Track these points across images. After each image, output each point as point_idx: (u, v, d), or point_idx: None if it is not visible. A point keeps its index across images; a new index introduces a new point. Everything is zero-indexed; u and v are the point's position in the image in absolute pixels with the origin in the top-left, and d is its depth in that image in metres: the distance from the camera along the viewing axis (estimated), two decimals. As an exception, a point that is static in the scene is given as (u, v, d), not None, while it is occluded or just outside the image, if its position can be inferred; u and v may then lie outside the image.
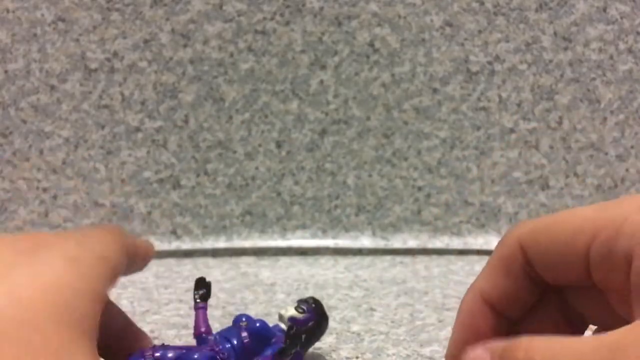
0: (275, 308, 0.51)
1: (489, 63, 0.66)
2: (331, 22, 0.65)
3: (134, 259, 0.31)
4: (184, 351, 0.32)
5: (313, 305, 0.37)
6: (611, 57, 0.67)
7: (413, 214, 0.67)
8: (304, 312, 0.36)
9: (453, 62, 0.66)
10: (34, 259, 0.25)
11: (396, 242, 0.67)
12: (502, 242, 0.28)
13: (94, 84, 0.65)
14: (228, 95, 0.65)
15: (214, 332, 0.35)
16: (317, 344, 0.42)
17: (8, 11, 0.64)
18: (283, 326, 0.36)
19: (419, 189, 0.67)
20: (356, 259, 0.65)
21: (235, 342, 0.34)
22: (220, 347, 0.33)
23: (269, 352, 0.34)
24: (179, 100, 0.65)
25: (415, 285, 0.57)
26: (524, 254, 0.27)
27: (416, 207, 0.67)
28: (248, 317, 0.36)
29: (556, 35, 0.66)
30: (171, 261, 0.64)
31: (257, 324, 0.35)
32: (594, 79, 0.67)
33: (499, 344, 0.24)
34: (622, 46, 0.67)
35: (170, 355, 0.31)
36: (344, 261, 0.64)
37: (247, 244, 0.66)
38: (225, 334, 0.35)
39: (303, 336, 0.36)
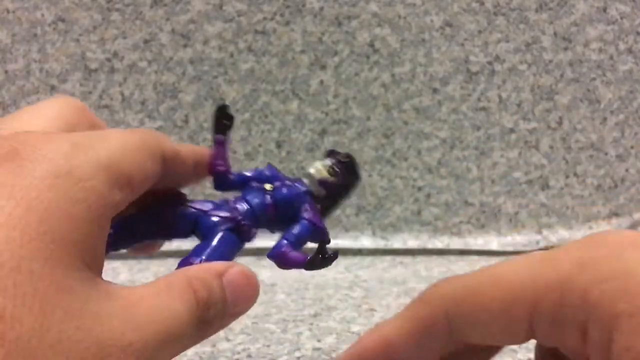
0: (276, 308, 0.51)
1: (489, 63, 0.66)
2: (331, 22, 0.65)
3: (176, 165, 0.27)
4: (201, 212, 0.28)
5: (346, 161, 0.31)
6: (611, 57, 0.67)
7: (413, 214, 0.67)
8: (335, 174, 0.30)
9: (453, 62, 0.66)
10: (10, 174, 0.20)
11: (396, 243, 0.67)
12: (424, 300, 0.26)
13: (94, 84, 0.65)
14: (228, 95, 0.65)
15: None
16: (317, 344, 0.42)
17: (8, 11, 0.64)
18: (307, 182, 0.30)
19: (419, 189, 0.67)
20: (356, 259, 0.65)
21: (257, 208, 0.29)
22: (240, 210, 0.28)
23: (296, 229, 0.29)
24: (179, 100, 0.65)
25: (415, 285, 0.57)
26: (448, 323, 0.25)
27: (416, 207, 0.67)
28: (273, 174, 0.30)
29: (556, 35, 0.66)
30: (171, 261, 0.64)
31: (284, 190, 0.29)
32: (594, 79, 0.67)
33: None
34: (622, 46, 0.67)
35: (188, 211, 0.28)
36: (344, 261, 0.64)
37: (247, 244, 0.66)
38: (246, 197, 0.29)
39: (336, 200, 0.31)
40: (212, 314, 0.23)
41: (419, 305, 0.26)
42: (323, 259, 0.27)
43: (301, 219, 0.29)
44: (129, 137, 0.24)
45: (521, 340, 0.24)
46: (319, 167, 0.30)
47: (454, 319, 0.25)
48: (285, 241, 0.28)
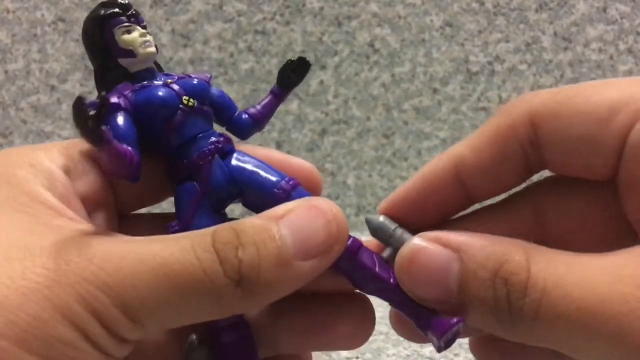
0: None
1: (489, 63, 0.66)
2: (331, 22, 0.65)
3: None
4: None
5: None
6: (611, 57, 0.67)
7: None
8: None
9: (453, 62, 0.66)
10: None
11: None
12: (505, 111, 0.23)
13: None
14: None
15: None
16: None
17: (8, 11, 0.64)
18: None
19: (419, 189, 0.67)
20: (356, 259, 0.65)
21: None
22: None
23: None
24: (179, 100, 0.65)
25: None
26: (534, 131, 0.22)
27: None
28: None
29: (556, 35, 0.66)
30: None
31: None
32: (593, 79, 0.67)
33: (491, 249, 0.20)
34: (622, 46, 0.67)
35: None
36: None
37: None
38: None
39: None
40: (248, 263, 0.19)
41: (497, 119, 0.23)
42: (293, 69, 0.25)
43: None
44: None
45: (602, 167, 0.21)
46: None
47: (542, 126, 0.22)
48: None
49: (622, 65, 0.67)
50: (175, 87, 0.23)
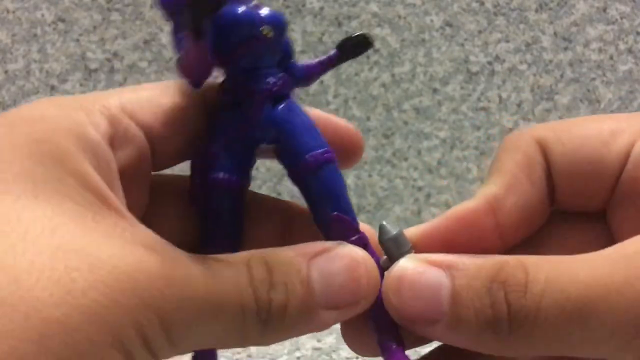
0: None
1: (489, 63, 0.66)
2: (331, 22, 0.65)
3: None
4: None
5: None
6: (611, 57, 0.67)
7: (413, 214, 0.67)
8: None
9: (453, 62, 0.66)
10: None
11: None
12: (514, 145, 0.22)
13: (94, 84, 0.65)
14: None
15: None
16: (317, 344, 0.42)
17: (8, 11, 0.64)
18: None
19: (419, 189, 0.67)
20: (356, 259, 0.65)
21: None
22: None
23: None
24: (179, 100, 0.65)
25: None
26: (543, 157, 0.22)
27: (416, 207, 0.67)
28: None
29: (556, 35, 0.66)
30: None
31: None
32: (594, 79, 0.67)
33: (483, 262, 0.19)
34: (622, 46, 0.67)
35: None
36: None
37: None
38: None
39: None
40: (277, 305, 0.19)
41: (506, 152, 0.23)
42: (356, 43, 0.24)
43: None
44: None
45: (606, 187, 0.21)
46: None
47: (551, 151, 0.22)
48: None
49: (622, 65, 0.67)
50: (262, 12, 0.22)
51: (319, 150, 0.22)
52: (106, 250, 0.18)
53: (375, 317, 0.22)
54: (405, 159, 0.67)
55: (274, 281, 0.19)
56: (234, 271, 0.19)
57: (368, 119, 0.66)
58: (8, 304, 0.16)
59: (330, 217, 0.23)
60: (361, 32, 0.24)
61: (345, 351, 0.43)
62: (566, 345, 0.19)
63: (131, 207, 0.20)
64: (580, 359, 0.22)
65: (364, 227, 0.23)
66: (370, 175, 0.67)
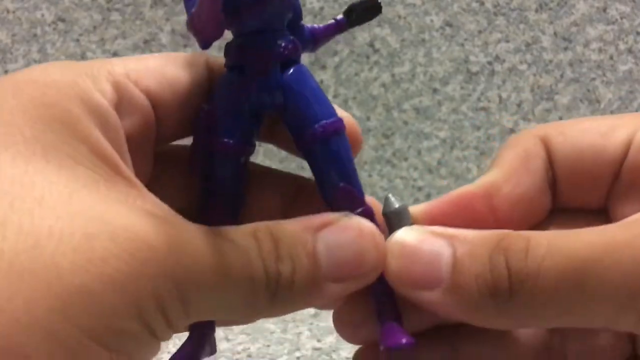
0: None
1: (489, 63, 0.66)
2: (331, 22, 0.65)
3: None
4: None
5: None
6: (611, 57, 0.67)
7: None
8: None
9: (453, 62, 0.66)
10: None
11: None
12: (516, 140, 0.23)
13: None
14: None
15: None
16: (317, 344, 0.42)
17: (8, 11, 0.64)
18: None
19: (419, 189, 0.67)
20: (356, 259, 0.65)
21: None
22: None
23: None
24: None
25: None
26: (546, 151, 0.22)
27: (416, 207, 0.67)
28: None
29: (556, 35, 0.66)
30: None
31: None
32: (594, 79, 0.67)
33: (485, 233, 0.20)
34: (622, 46, 0.67)
35: None
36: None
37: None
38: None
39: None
40: (284, 277, 0.19)
41: (508, 148, 0.23)
42: (365, 8, 0.23)
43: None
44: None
45: (607, 179, 0.22)
46: None
47: (553, 145, 0.22)
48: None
49: (622, 65, 0.67)
50: None
51: (329, 120, 0.22)
52: (123, 219, 0.17)
53: (376, 293, 0.22)
54: (405, 159, 0.67)
55: (281, 254, 0.19)
56: (243, 243, 0.19)
57: (368, 119, 0.66)
58: (30, 271, 0.16)
59: (337, 188, 0.22)
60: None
61: (345, 351, 0.43)
62: (565, 311, 0.19)
63: (137, 175, 0.20)
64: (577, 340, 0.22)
65: (368, 199, 0.23)
66: (370, 175, 0.67)
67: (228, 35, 0.23)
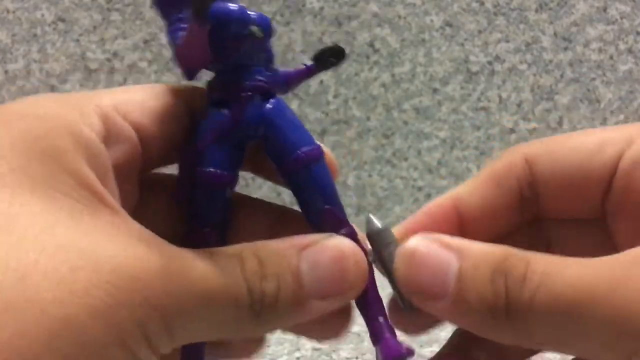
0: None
1: (489, 63, 0.66)
2: (331, 22, 0.65)
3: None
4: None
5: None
6: (611, 57, 0.67)
7: (413, 214, 0.67)
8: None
9: (453, 62, 0.66)
10: None
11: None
12: (500, 157, 0.24)
13: (94, 84, 0.65)
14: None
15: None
16: (317, 345, 0.42)
17: (8, 11, 0.64)
18: None
19: (419, 189, 0.67)
20: (356, 259, 0.65)
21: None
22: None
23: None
24: (179, 100, 0.65)
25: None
26: (529, 168, 0.23)
27: (416, 207, 0.67)
28: None
29: (556, 35, 0.66)
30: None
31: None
32: (594, 79, 0.67)
33: (490, 249, 0.20)
34: (622, 46, 0.67)
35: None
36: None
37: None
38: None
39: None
40: (268, 296, 0.19)
41: (492, 163, 0.24)
42: (331, 53, 0.24)
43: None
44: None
45: (593, 199, 0.22)
46: None
47: (537, 163, 0.23)
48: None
49: (622, 65, 0.67)
50: (252, 14, 0.23)
51: (310, 147, 0.23)
52: (106, 249, 0.18)
53: (366, 307, 0.23)
54: (405, 159, 0.67)
55: (266, 273, 0.20)
56: (227, 264, 0.19)
57: (368, 119, 0.66)
58: (17, 305, 0.16)
59: (322, 210, 0.23)
60: (334, 44, 0.25)
61: (345, 351, 0.43)
62: (557, 339, 0.20)
63: (122, 203, 0.20)
64: None
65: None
66: (370, 175, 0.67)
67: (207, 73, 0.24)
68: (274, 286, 0.20)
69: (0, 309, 0.16)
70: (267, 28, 0.23)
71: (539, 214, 0.25)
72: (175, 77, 0.65)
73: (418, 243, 0.21)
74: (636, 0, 0.66)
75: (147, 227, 0.20)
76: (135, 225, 0.19)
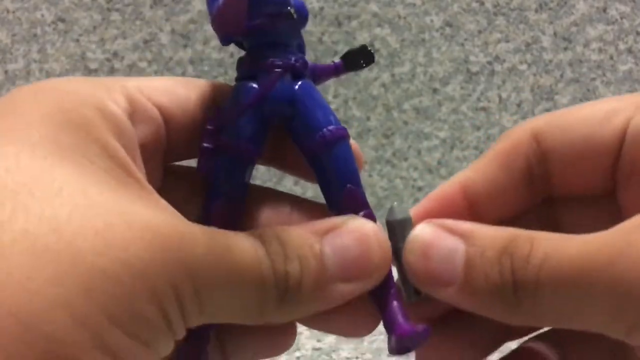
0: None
1: (489, 63, 0.66)
2: (331, 22, 0.65)
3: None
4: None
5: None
6: (611, 57, 0.67)
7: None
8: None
9: (453, 62, 0.66)
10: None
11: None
12: (507, 134, 0.24)
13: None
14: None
15: None
16: (317, 344, 0.42)
17: (8, 11, 0.64)
18: None
19: (419, 189, 0.67)
20: (356, 259, 0.65)
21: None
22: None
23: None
24: (179, 100, 0.65)
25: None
26: (537, 144, 0.23)
27: (416, 207, 0.67)
28: None
29: (556, 35, 0.66)
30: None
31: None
32: (594, 79, 0.67)
33: (496, 233, 0.21)
34: (622, 46, 0.67)
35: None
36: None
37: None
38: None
39: None
40: (292, 278, 0.19)
41: (500, 141, 0.24)
42: (362, 55, 0.24)
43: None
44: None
45: (604, 171, 0.22)
46: None
47: (545, 137, 0.23)
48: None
49: (622, 65, 0.67)
50: None
51: (336, 126, 0.24)
52: (140, 211, 0.18)
53: (382, 292, 0.23)
54: (405, 159, 0.67)
55: (289, 255, 0.19)
56: (252, 242, 0.19)
57: (368, 119, 0.66)
58: (52, 252, 0.16)
59: (344, 190, 0.23)
60: (364, 45, 0.25)
61: (345, 351, 0.43)
62: (564, 315, 0.20)
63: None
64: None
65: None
66: (370, 175, 0.67)
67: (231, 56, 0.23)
68: (297, 268, 0.19)
69: (35, 255, 0.16)
70: (304, 13, 0.23)
71: (549, 193, 0.24)
72: (175, 76, 0.65)
73: (424, 230, 0.22)
74: (636, 0, 0.66)
75: None
76: (162, 200, 0.20)
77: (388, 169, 0.67)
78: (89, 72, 0.65)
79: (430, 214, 0.23)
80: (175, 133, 0.23)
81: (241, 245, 0.19)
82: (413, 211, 0.24)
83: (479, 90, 0.66)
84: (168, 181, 0.23)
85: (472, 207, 0.24)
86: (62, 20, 0.64)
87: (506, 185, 0.24)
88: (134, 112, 0.21)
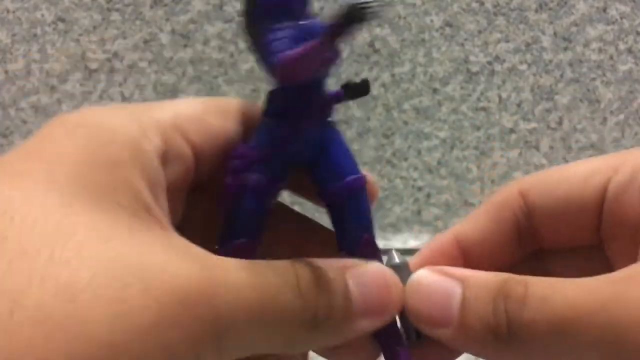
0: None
1: (489, 63, 0.66)
2: (331, 22, 0.65)
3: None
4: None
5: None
6: (611, 57, 0.67)
7: (413, 214, 0.67)
8: None
9: (453, 62, 0.66)
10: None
11: (396, 242, 0.67)
12: (496, 193, 0.26)
13: (94, 84, 0.65)
14: (229, 95, 0.65)
15: None
16: None
17: (8, 11, 0.64)
18: None
19: (419, 189, 0.67)
20: (356, 259, 0.65)
21: None
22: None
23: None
24: (179, 100, 0.65)
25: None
26: (524, 201, 0.25)
27: (416, 207, 0.67)
28: None
29: (556, 35, 0.66)
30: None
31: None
32: (594, 79, 0.67)
33: (491, 276, 0.22)
34: (622, 46, 0.67)
35: None
36: (344, 261, 0.64)
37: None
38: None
39: None
40: (323, 311, 0.20)
41: (490, 198, 0.26)
42: (359, 89, 0.24)
43: None
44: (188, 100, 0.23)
45: (587, 226, 0.24)
46: None
47: (530, 195, 0.24)
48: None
49: (622, 65, 0.67)
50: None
51: (357, 176, 0.24)
52: (158, 264, 0.18)
53: (387, 335, 0.24)
54: (405, 159, 0.67)
55: (320, 287, 0.20)
56: (282, 274, 0.20)
57: (368, 119, 0.66)
58: (65, 326, 0.16)
59: (361, 239, 0.24)
60: (363, 80, 0.26)
61: (345, 351, 0.43)
62: (558, 358, 0.21)
63: (170, 215, 0.21)
64: None
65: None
66: (370, 175, 0.67)
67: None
68: (327, 301, 0.20)
69: (50, 331, 0.16)
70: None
71: (538, 245, 0.26)
72: (175, 76, 0.65)
73: (423, 274, 0.23)
74: (636, 0, 0.66)
75: (188, 239, 0.20)
76: (182, 241, 0.20)
77: (388, 169, 0.67)
78: (89, 72, 0.65)
79: (427, 264, 0.25)
80: (203, 164, 0.23)
81: (271, 279, 0.19)
82: (411, 261, 0.26)
83: (479, 90, 0.66)
84: (189, 205, 0.24)
85: (465, 257, 0.26)
86: (62, 20, 0.64)
87: (497, 237, 0.25)
88: (167, 151, 0.21)
